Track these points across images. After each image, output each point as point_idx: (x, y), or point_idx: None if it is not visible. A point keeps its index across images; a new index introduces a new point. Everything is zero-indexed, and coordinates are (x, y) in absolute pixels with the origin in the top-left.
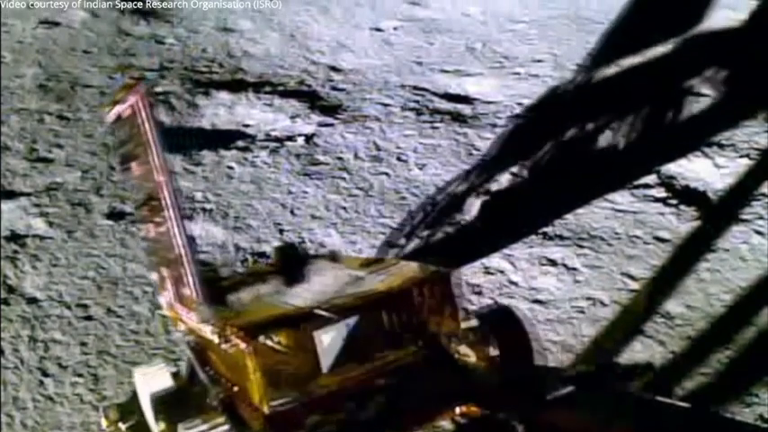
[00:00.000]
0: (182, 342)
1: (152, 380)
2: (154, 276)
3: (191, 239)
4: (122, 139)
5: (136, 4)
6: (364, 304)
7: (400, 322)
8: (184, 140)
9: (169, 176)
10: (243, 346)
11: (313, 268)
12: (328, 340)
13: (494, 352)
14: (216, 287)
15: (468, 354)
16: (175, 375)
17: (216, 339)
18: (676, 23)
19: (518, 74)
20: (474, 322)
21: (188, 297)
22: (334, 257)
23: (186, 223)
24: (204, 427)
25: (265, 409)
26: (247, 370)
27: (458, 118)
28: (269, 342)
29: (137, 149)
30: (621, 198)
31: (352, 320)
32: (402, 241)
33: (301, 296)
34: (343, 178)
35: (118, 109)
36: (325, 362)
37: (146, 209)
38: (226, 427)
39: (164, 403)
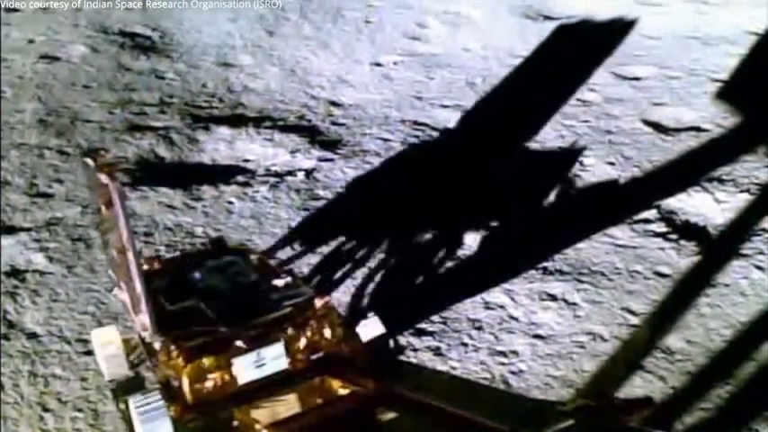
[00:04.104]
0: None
1: (104, 337)
2: (121, 295)
3: (145, 278)
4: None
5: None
6: (269, 331)
7: (296, 331)
8: (184, 175)
9: (128, 229)
10: (182, 365)
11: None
12: (242, 365)
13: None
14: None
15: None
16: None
17: (162, 356)
18: None
19: None
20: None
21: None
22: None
23: (139, 261)
24: (145, 399)
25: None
26: (182, 382)
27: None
28: (201, 364)
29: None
30: (621, 233)
31: (261, 351)
32: (402, 274)
33: (228, 316)
34: None
35: (97, 176)
36: (240, 378)
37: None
38: (160, 398)
39: (121, 388)
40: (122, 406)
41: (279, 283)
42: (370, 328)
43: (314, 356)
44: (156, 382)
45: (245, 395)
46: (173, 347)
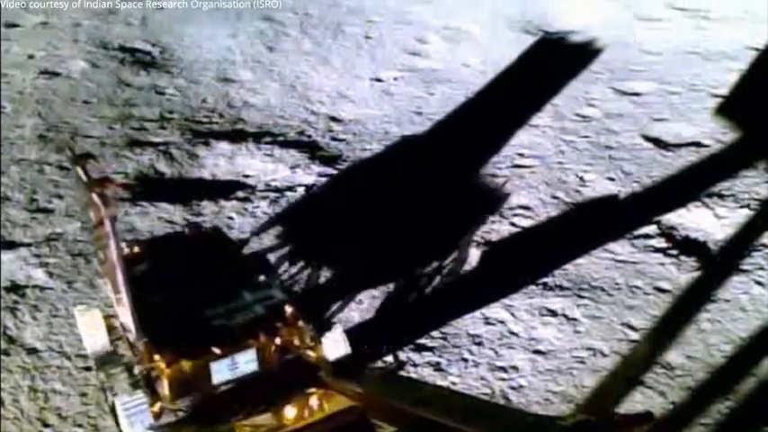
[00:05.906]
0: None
1: (88, 314)
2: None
3: (130, 283)
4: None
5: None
6: (242, 337)
7: (268, 337)
8: (184, 191)
9: (116, 240)
10: (163, 367)
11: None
12: (217, 368)
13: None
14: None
15: (310, 355)
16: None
17: (145, 357)
18: None
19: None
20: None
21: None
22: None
23: (127, 277)
24: (130, 400)
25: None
26: (163, 382)
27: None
28: (180, 366)
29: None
30: (621, 248)
31: (236, 356)
32: (404, 292)
33: (211, 316)
34: None
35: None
36: (215, 379)
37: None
38: (144, 398)
39: (102, 361)
40: (102, 376)
41: (252, 277)
42: (331, 339)
43: (284, 360)
44: (137, 370)
45: (222, 397)
46: (155, 352)
